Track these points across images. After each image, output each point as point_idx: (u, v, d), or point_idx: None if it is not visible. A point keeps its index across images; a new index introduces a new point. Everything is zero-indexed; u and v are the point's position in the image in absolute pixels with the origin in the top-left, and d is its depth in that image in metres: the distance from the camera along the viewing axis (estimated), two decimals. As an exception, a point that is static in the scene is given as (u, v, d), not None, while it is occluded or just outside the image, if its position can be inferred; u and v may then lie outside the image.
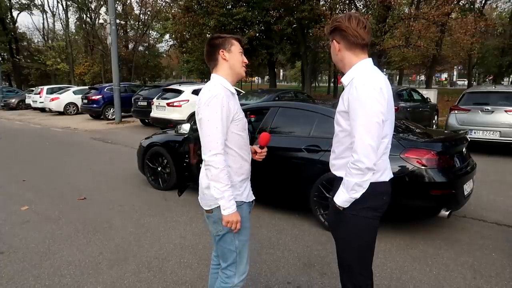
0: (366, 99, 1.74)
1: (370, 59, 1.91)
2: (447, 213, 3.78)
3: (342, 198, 1.86)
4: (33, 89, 24.24)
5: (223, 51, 2.03)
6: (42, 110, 20.86)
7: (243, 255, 2.10)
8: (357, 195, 1.82)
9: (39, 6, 39.64)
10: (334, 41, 1.92)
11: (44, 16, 41.79)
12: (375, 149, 1.75)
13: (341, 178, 1.90)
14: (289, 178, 4.44)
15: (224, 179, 1.89)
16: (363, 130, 1.74)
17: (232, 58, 2.05)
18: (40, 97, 20.73)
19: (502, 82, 31.68)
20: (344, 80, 1.92)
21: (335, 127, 2.00)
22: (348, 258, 2.02)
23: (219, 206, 1.94)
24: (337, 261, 2.10)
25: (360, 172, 1.76)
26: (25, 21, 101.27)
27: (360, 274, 2.02)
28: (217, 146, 1.89)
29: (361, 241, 1.96)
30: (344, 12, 20.00)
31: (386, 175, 1.95)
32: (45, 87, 21.47)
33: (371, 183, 1.82)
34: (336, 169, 2.01)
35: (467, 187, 4.12)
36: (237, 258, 2.08)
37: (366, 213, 1.90)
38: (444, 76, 60.49)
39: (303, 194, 4.27)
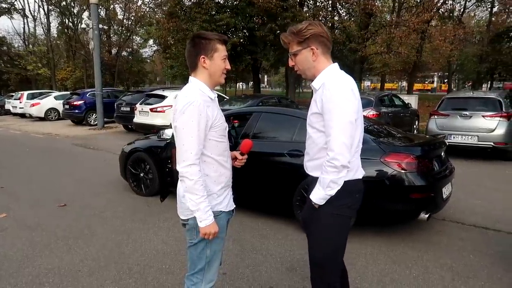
0: (339, 99, 1.82)
1: (337, 63, 1.99)
2: (427, 216, 3.86)
3: (318, 195, 1.92)
4: (13, 94, 23.85)
5: (204, 58, 1.91)
6: (22, 116, 20.54)
7: (213, 264, 2.03)
8: (332, 192, 1.88)
9: (19, 10, 38.88)
10: (311, 48, 1.93)
11: (25, 21, 40.86)
12: (349, 147, 1.83)
13: (317, 178, 1.95)
14: (272, 182, 4.45)
15: (200, 190, 1.82)
16: (337, 129, 1.81)
17: (213, 66, 1.93)
18: (20, 102, 20.41)
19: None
20: (315, 84, 1.97)
21: (308, 129, 2.07)
22: (320, 255, 2.06)
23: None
24: (309, 259, 2.13)
25: (336, 170, 1.83)
26: (5, 25, 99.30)
27: (330, 272, 2.07)
28: (190, 157, 1.81)
29: (333, 238, 2.02)
30: (327, 19, 20.31)
31: (359, 173, 2.03)
32: (26, 92, 21.10)
33: (345, 181, 1.89)
34: (311, 170, 2.08)
35: (446, 191, 4.20)
36: (206, 266, 2.01)
37: (340, 211, 1.96)
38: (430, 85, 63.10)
39: (285, 198, 4.29)
